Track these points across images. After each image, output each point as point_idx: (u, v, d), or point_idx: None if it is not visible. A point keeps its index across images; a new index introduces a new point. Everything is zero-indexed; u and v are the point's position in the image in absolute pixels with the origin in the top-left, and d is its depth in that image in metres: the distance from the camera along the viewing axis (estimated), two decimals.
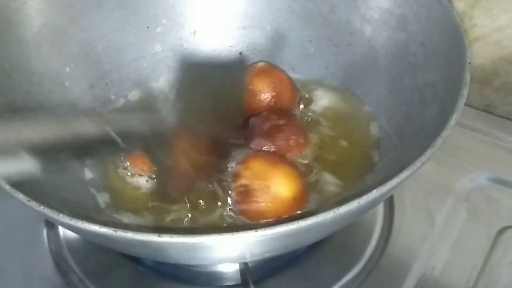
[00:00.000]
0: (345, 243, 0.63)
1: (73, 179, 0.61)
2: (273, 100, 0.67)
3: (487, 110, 0.79)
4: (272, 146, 0.61)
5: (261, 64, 0.69)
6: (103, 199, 0.61)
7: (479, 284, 0.59)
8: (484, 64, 0.76)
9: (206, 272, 0.62)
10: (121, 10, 0.70)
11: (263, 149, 0.61)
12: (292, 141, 0.61)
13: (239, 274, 0.60)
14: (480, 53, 0.75)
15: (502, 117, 0.78)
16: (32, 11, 0.63)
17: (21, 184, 0.45)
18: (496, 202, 0.67)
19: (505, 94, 0.77)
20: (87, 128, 0.48)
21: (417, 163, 0.44)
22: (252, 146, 0.62)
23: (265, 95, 0.67)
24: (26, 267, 0.62)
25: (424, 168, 0.45)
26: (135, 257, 0.61)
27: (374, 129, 0.65)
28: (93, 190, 0.62)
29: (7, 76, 0.59)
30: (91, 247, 0.62)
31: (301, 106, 0.70)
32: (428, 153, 0.45)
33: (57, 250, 0.63)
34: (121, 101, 0.71)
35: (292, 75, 0.71)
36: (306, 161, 0.62)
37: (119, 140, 0.49)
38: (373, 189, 0.42)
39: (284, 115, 0.64)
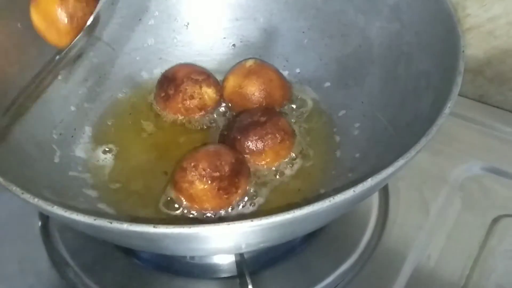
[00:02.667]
0: (340, 234, 0.63)
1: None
2: (263, 101, 0.68)
3: (481, 100, 0.79)
4: (246, 141, 0.61)
5: (250, 63, 0.69)
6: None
7: (474, 272, 0.60)
8: (477, 54, 0.76)
9: (202, 264, 0.61)
10: (114, 3, 0.69)
11: (235, 144, 0.62)
12: (268, 139, 0.62)
13: (235, 265, 0.60)
14: (473, 43, 0.75)
15: (496, 106, 0.79)
16: None
17: (15, 177, 0.45)
18: (490, 191, 0.67)
19: (499, 83, 0.77)
20: None
21: (412, 152, 0.44)
22: (225, 139, 0.63)
23: (255, 97, 0.67)
24: (20, 261, 0.61)
25: (419, 158, 0.45)
26: (130, 250, 0.61)
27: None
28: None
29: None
30: (86, 240, 0.62)
31: (293, 105, 0.70)
32: (423, 141, 0.45)
33: (52, 244, 0.62)
34: (113, 94, 0.71)
35: (286, 70, 0.71)
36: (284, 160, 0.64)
37: None
38: (368, 178, 0.42)
39: (268, 113, 0.64)
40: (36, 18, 0.58)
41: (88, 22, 0.58)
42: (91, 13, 0.58)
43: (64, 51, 0.58)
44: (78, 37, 0.57)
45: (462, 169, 0.69)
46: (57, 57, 0.58)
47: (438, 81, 0.54)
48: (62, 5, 0.57)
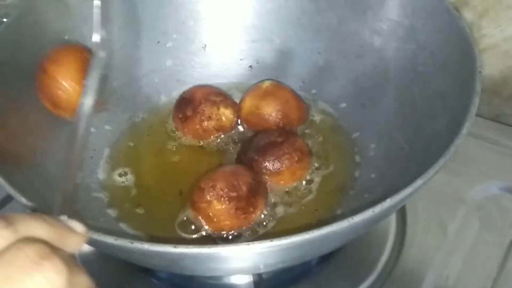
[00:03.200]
0: (358, 255, 0.62)
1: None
2: (280, 121, 0.68)
3: (497, 119, 0.79)
4: (264, 162, 0.62)
5: (266, 84, 0.70)
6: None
7: None
8: (493, 74, 0.76)
9: (219, 284, 0.61)
10: (132, 25, 0.70)
11: (252, 164, 0.62)
12: (285, 159, 0.62)
13: (252, 286, 0.60)
14: (489, 63, 0.75)
15: None
16: (45, 25, 0.64)
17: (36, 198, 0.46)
18: (508, 211, 0.66)
19: None
20: None
21: (430, 172, 0.45)
22: (242, 160, 0.64)
23: (272, 118, 0.68)
24: None
25: (436, 178, 0.45)
26: (148, 269, 0.61)
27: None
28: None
29: None
30: (105, 260, 0.62)
31: (310, 126, 0.71)
32: (441, 161, 0.45)
33: None
34: (132, 116, 0.72)
35: (302, 90, 0.72)
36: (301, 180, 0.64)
37: None
38: (387, 198, 0.42)
39: (285, 134, 0.65)
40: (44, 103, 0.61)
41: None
42: None
43: None
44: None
45: (479, 189, 0.68)
46: None
47: (454, 102, 0.54)
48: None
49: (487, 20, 0.72)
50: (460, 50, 0.56)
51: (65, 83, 0.59)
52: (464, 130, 0.47)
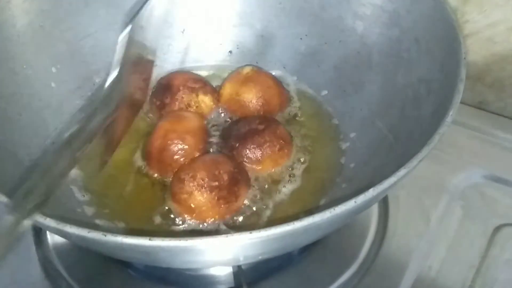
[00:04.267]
0: (339, 244, 0.62)
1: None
2: (261, 108, 0.67)
3: (480, 106, 0.78)
4: (245, 150, 0.61)
5: (247, 70, 0.68)
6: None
7: (476, 283, 0.59)
8: (477, 60, 0.75)
9: (198, 275, 0.60)
10: (108, 8, 0.68)
11: (233, 152, 0.61)
12: (267, 147, 0.61)
13: (232, 277, 0.59)
14: (473, 49, 0.74)
15: (495, 113, 0.78)
16: (16, 10, 0.62)
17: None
18: (491, 200, 0.66)
19: (498, 90, 0.76)
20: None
21: (414, 161, 0.44)
22: (223, 147, 0.63)
23: (252, 104, 0.67)
24: (13, 274, 0.60)
25: (419, 166, 0.44)
26: (125, 261, 0.60)
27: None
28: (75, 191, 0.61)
29: None
30: (80, 252, 0.61)
31: (291, 113, 0.70)
32: (425, 150, 0.44)
33: (46, 256, 0.61)
34: None
35: (283, 76, 0.71)
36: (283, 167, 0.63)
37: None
38: (369, 188, 0.41)
39: (266, 121, 0.63)
40: None
41: None
42: None
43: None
44: None
45: (462, 177, 0.68)
46: None
47: (438, 89, 0.53)
48: None
49: (471, 5, 0.71)
50: (444, 36, 0.55)
51: None
52: (449, 119, 0.47)
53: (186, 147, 0.60)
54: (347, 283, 0.59)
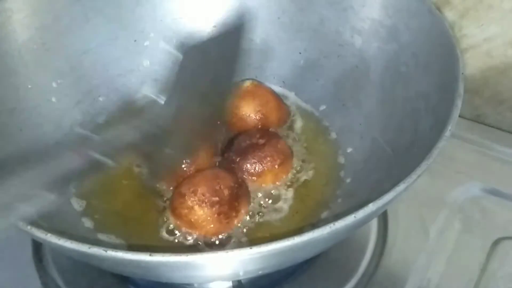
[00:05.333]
0: (339, 258, 0.62)
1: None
2: (260, 122, 0.67)
3: (478, 120, 0.79)
4: (245, 164, 0.61)
5: (247, 84, 0.69)
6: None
7: None
8: (474, 74, 0.75)
9: None
10: (108, 23, 0.69)
11: (233, 166, 0.61)
12: (267, 162, 0.61)
13: None
14: (470, 63, 0.75)
15: (493, 126, 0.78)
16: (18, 25, 0.62)
17: None
18: (490, 213, 0.66)
19: (496, 103, 0.76)
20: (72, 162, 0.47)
21: (413, 176, 0.44)
22: (223, 161, 0.63)
23: (251, 119, 0.67)
24: (12, 287, 0.60)
25: (418, 180, 0.45)
26: (125, 276, 0.60)
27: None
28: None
29: None
30: (80, 267, 0.61)
31: (290, 127, 0.70)
32: (424, 165, 0.44)
33: (45, 270, 0.61)
34: (109, 115, 0.70)
35: (282, 91, 0.72)
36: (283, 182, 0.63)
37: (108, 161, 0.48)
38: (369, 203, 0.41)
39: (266, 135, 0.64)
40: None
41: None
42: None
43: None
44: None
45: (461, 190, 0.68)
46: None
47: (437, 103, 0.54)
48: None
49: (468, 20, 0.72)
50: (442, 51, 0.55)
51: None
52: (447, 133, 0.47)
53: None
54: None
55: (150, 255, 0.38)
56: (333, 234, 0.40)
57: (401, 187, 0.43)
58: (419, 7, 0.59)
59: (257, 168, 0.61)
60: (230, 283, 0.59)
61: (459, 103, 0.49)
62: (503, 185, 0.68)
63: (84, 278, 0.60)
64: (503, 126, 0.77)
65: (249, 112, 0.67)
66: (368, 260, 0.62)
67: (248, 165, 0.61)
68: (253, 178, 0.61)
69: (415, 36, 0.60)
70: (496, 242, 0.63)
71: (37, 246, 0.63)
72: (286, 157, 0.63)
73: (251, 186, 0.61)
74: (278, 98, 0.70)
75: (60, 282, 0.60)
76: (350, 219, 0.40)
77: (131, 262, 0.39)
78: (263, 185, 0.62)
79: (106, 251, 0.38)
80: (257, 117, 0.67)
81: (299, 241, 0.39)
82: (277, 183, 0.63)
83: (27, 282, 0.61)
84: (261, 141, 0.62)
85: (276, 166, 0.62)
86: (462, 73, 0.51)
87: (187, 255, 0.38)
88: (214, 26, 0.74)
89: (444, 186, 0.68)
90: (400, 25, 0.61)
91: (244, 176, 0.61)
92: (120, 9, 0.69)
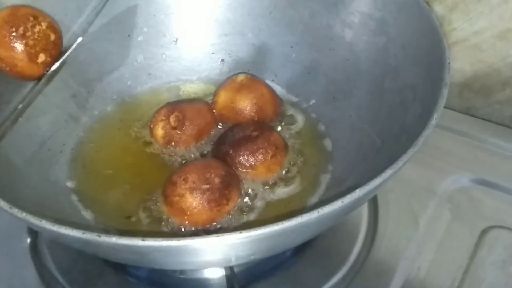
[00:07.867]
0: (330, 247, 0.63)
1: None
2: (255, 116, 0.68)
3: (468, 112, 0.80)
4: (238, 156, 0.62)
5: (241, 77, 0.69)
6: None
7: (464, 284, 0.59)
8: (464, 67, 0.76)
9: (192, 278, 0.61)
10: (102, 18, 0.69)
11: (226, 158, 0.62)
12: (260, 154, 0.62)
13: (225, 280, 0.59)
14: (460, 57, 0.76)
15: (483, 119, 0.79)
16: None
17: (3, 192, 0.45)
18: (479, 203, 0.67)
19: (485, 96, 0.77)
20: None
21: (399, 163, 0.45)
22: (217, 153, 0.64)
23: (247, 111, 0.68)
24: (8, 279, 0.61)
25: (408, 170, 0.46)
26: (120, 266, 0.61)
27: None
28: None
29: None
30: (76, 257, 0.61)
31: (284, 119, 0.71)
32: (410, 152, 0.45)
33: (41, 260, 0.62)
34: (103, 110, 0.71)
35: (274, 83, 0.73)
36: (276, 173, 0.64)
37: None
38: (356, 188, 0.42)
39: (260, 127, 0.64)
40: None
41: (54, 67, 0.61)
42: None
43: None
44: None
45: (450, 181, 0.69)
46: None
47: (424, 94, 0.55)
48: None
49: (457, 13, 0.73)
50: (430, 42, 0.56)
51: None
52: (433, 121, 0.48)
53: None
54: (337, 285, 0.59)
55: (142, 239, 0.39)
56: (321, 219, 0.41)
57: (387, 173, 0.44)
58: (408, 0, 0.60)
59: (249, 160, 0.62)
60: (223, 272, 0.60)
61: (445, 92, 0.50)
62: (492, 176, 0.69)
63: (81, 268, 0.61)
64: (493, 118, 0.78)
65: (245, 105, 0.68)
66: (358, 249, 0.62)
67: (241, 157, 0.62)
68: (246, 169, 0.62)
69: (404, 29, 0.61)
70: (485, 231, 0.64)
71: (34, 238, 0.64)
72: (279, 149, 0.64)
73: (243, 178, 0.62)
74: (272, 91, 0.70)
75: (56, 273, 0.61)
76: (337, 204, 0.41)
77: (124, 247, 0.40)
78: (256, 176, 0.63)
79: (99, 237, 0.39)
80: (253, 110, 0.68)
81: (288, 225, 0.40)
82: (271, 174, 0.63)
83: (24, 273, 0.61)
84: (255, 133, 0.63)
85: (269, 158, 0.62)
86: (448, 63, 0.52)
87: (179, 239, 0.39)
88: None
89: (434, 176, 0.69)
90: (388, 18, 0.62)
91: (236, 167, 0.62)
92: (113, 4, 0.70)
